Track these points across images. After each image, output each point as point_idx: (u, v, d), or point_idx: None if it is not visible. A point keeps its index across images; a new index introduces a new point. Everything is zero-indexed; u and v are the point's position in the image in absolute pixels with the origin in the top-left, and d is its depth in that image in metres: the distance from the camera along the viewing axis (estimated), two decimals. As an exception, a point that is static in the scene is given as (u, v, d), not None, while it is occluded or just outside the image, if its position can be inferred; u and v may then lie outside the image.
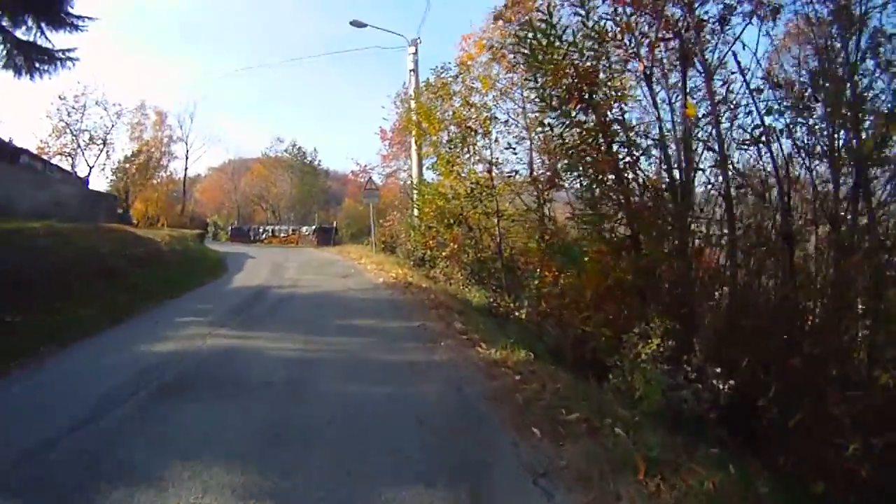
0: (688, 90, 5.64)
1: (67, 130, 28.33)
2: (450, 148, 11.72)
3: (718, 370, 3.97)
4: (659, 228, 5.49)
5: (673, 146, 5.84)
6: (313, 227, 31.63)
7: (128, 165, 32.21)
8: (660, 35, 5.70)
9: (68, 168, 27.11)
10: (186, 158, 40.34)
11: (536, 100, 7.07)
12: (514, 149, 11.08)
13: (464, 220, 11.26)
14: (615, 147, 5.87)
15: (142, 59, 64.70)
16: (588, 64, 5.73)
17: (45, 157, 26.44)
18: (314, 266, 13.49)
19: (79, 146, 28.97)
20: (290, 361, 4.53)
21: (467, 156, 11.18)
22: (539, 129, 8.05)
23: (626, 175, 5.77)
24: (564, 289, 6.27)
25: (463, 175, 11.10)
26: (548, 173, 9.10)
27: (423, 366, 4.35)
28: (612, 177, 5.82)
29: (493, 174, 10.98)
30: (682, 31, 5.62)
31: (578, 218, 6.42)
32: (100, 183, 30.52)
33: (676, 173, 5.71)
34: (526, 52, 6.07)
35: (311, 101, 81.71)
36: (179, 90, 69.07)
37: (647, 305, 5.13)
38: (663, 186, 5.88)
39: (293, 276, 11.12)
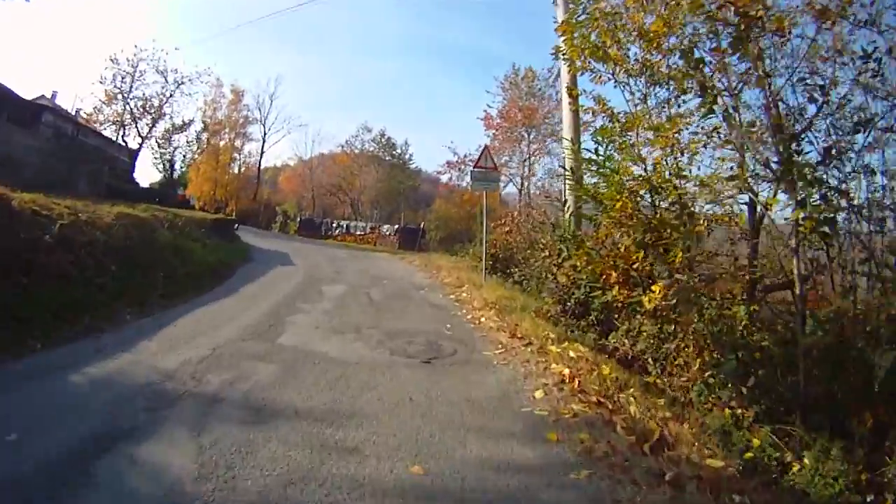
0: None
1: (119, 97, 25.71)
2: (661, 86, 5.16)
3: None
4: None
5: None
6: (396, 226, 26.40)
7: (175, 136, 29.20)
8: None
9: (112, 137, 25.17)
10: (263, 142, 38.35)
11: None
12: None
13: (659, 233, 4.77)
14: None
15: (221, 46, 64.09)
16: None
17: (96, 125, 25.13)
18: (374, 298, 7.45)
19: (132, 114, 26.28)
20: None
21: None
22: None
23: None
24: None
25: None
26: None
27: None
28: None
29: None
30: None
31: None
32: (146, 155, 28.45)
33: None
34: None
35: (401, 100, 78.17)
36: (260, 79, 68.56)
37: None
38: None
39: (300, 338, 4.81)
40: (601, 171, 5.60)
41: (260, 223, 33.80)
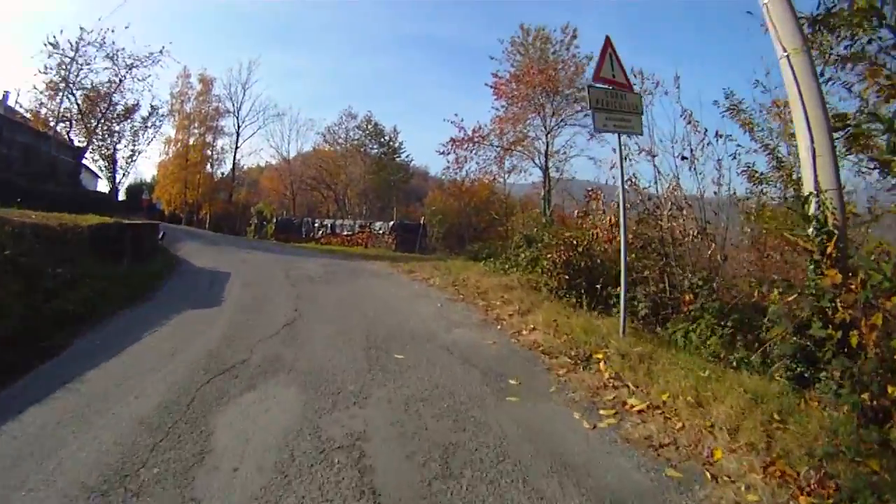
0: None
1: (62, 86, 21.22)
2: None
3: None
4: None
5: None
6: (391, 223, 21.55)
7: (117, 126, 23.99)
8: None
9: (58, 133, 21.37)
10: (237, 136, 33.98)
11: None
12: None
13: None
14: None
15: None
16: None
17: (42, 121, 21.45)
18: None
19: (78, 107, 21.96)
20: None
21: None
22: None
23: None
24: None
25: None
26: None
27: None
28: None
29: None
30: None
31: None
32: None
33: None
34: None
35: (386, 95, 73.17)
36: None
37: None
38: None
39: None
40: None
41: (236, 228, 29.14)
